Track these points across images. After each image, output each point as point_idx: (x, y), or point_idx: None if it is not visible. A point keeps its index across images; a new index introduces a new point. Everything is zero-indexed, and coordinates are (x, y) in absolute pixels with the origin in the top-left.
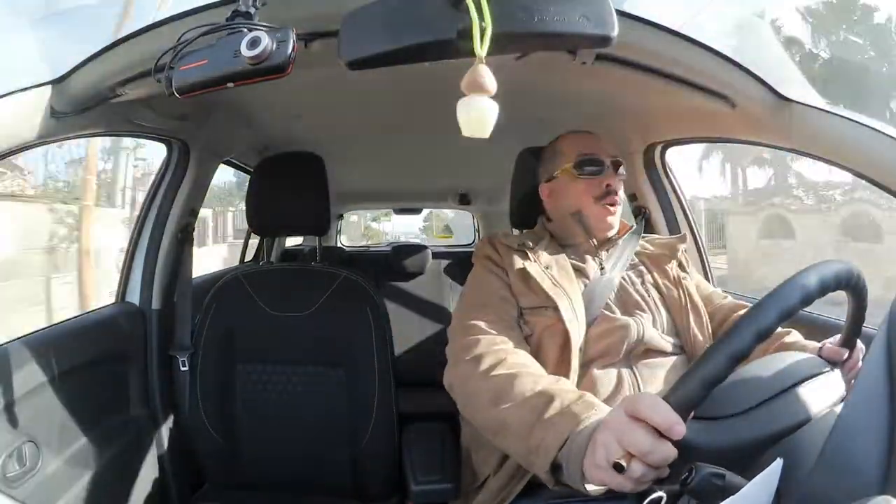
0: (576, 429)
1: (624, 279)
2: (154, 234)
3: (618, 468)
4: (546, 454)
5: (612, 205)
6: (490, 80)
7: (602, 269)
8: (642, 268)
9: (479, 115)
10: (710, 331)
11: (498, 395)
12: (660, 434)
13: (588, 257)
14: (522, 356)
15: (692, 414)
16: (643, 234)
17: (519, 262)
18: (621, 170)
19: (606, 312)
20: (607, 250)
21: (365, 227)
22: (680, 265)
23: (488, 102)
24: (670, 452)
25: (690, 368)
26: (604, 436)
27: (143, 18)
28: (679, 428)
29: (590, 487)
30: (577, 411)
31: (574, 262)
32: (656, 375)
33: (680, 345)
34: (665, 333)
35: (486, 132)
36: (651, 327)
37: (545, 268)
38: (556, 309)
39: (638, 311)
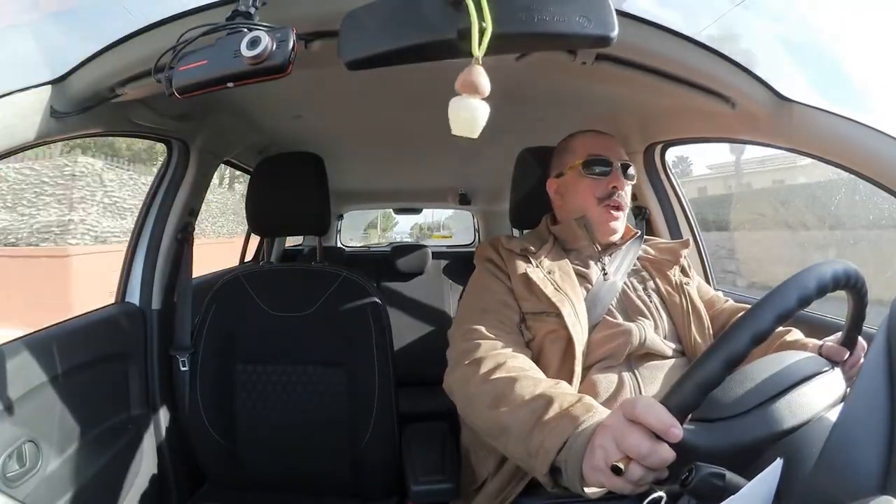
0: (575, 431)
1: (626, 285)
2: (154, 234)
3: (616, 471)
4: (545, 457)
5: (616, 208)
6: (484, 81)
7: (605, 274)
8: (645, 273)
9: (469, 115)
10: (712, 335)
11: (497, 398)
12: (657, 437)
13: (591, 262)
14: (522, 360)
15: (690, 416)
16: (645, 238)
17: (521, 268)
18: (630, 171)
19: (608, 318)
20: (610, 255)
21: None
22: (682, 270)
23: (480, 104)
24: (668, 455)
25: (687, 371)
26: (602, 438)
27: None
28: (676, 431)
29: (588, 490)
30: (576, 413)
31: (577, 266)
32: (657, 378)
33: (681, 349)
34: (666, 339)
35: (475, 133)
36: (653, 332)
37: (548, 273)
38: (558, 315)
39: (640, 317)
